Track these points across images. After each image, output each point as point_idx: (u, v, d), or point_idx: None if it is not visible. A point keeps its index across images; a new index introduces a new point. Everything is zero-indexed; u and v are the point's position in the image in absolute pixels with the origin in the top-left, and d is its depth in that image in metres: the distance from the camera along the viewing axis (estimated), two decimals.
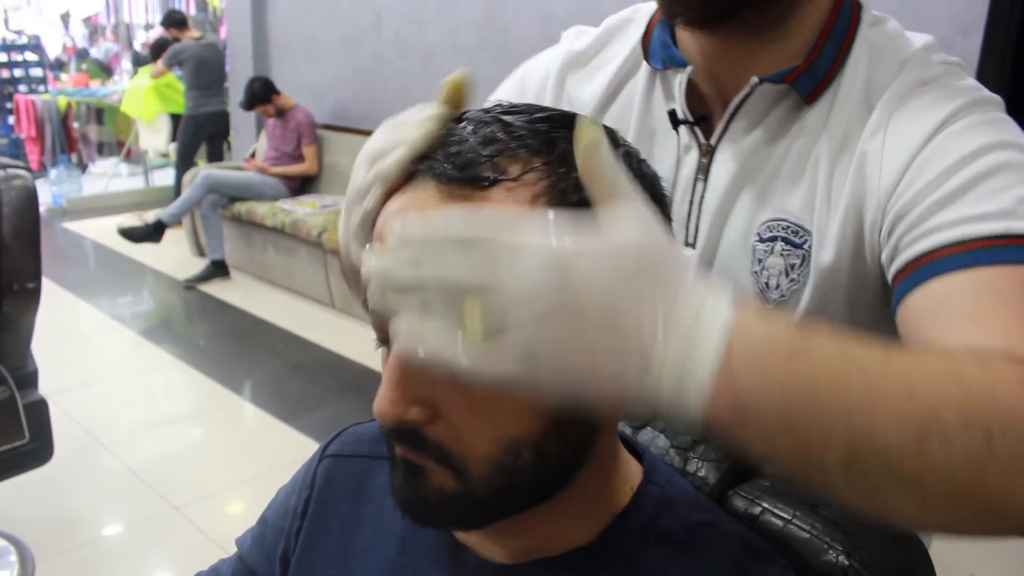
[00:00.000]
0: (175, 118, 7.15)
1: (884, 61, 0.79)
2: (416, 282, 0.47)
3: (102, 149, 8.86)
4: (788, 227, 0.81)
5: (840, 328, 0.51)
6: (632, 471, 0.69)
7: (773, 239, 0.81)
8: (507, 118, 0.58)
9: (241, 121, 6.34)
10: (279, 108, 5.35)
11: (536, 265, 0.45)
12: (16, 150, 8.15)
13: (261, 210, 5.12)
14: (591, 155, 0.50)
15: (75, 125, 8.43)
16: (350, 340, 4.23)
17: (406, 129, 0.58)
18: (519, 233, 0.46)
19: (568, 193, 0.54)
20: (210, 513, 2.82)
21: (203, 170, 5.50)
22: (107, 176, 8.01)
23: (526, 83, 0.98)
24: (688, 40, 0.84)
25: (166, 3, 10.88)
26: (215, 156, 6.64)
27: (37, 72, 8.81)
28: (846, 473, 0.48)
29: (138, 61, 9.60)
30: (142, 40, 10.67)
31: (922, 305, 0.66)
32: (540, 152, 0.56)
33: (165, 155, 7.72)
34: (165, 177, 7.68)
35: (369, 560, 0.73)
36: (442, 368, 0.46)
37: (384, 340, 0.60)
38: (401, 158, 0.57)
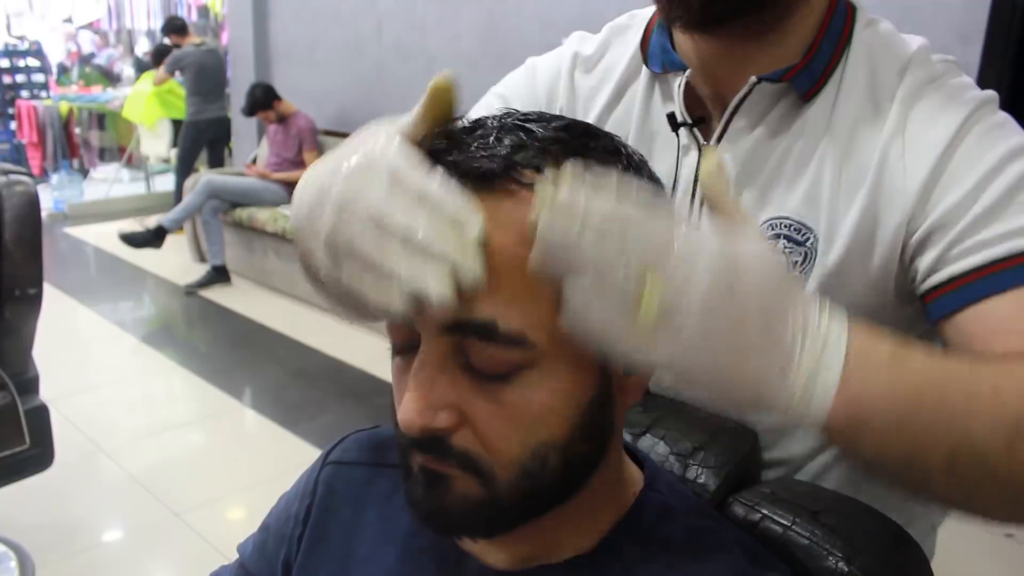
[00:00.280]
0: (176, 123, 7.16)
1: (884, 60, 0.80)
2: (596, 249, 0.48)
3: (103, 155, 8.87)
4: (791, 225, 0.81)
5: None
6: (634, 478, 0.69)
7: (776, 237, 0.82)
8: (528, 126, 0.58)
9: (242, 127, 6.35)
10: (280, 114, 5.36)
11: (714, 259, 0.49)
12: (18, 156, 8.16)
13: (262, 216, 5.13)
14: (716, 180, 0.55)
15: (77, 131, 8.43)
16: (351, 346, 4.23)
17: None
18: (681, 222, 0.50)
19: None
20: (211, 519, 2.81)
21: (204, 176, 5.50)
22: (108, 182, 8.02)
23: (536, 79, 0.98)
24: (686, 43, 0.85)
25: (168, 9, 10.90)
26: (216, 162, 6.65)
27: (39, 78, 8.83)
28: (948, 474, 0.54)
29: (140, 67, 9.61)
30: (144, 49, 10.68)
31: (976, 325, 0.69)
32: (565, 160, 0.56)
33: (166, 160, 7.73)
34: (166, 182, 7.69)
35: (371, 567, 0.72)
36: (603, 346, 0.50)
37: (401, 349, 0.59)
38: None
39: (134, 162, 8.34)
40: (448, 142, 0.57)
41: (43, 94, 8.69)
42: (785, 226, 0.81)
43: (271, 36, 6.07)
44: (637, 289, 0.48)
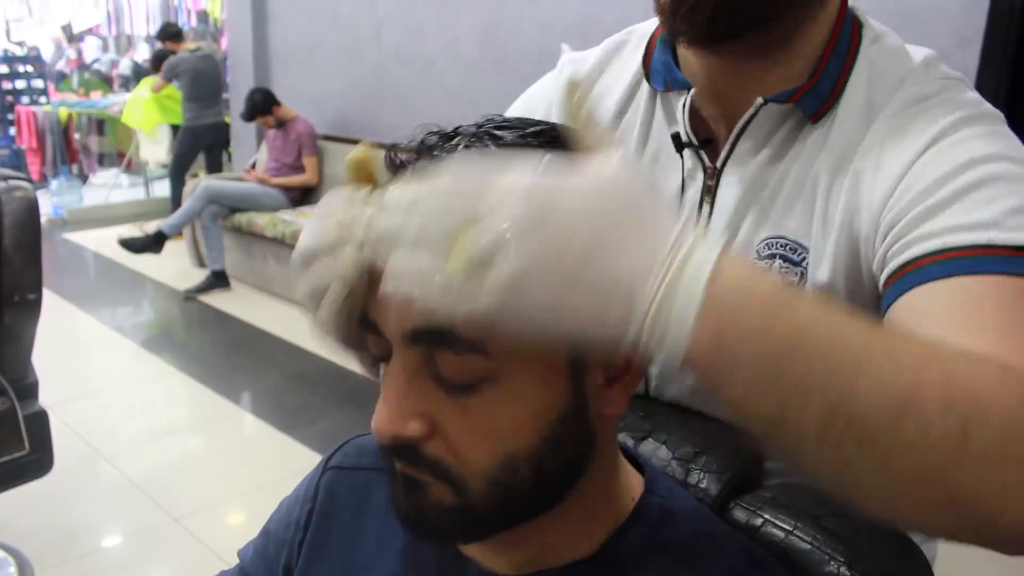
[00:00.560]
0: (176, 129, 7.16)
1: (883, 79, 0.79)
2: (404, 226, 0.48)
3: (103, 160, 8.87)
4: (786, 244, 0.81)
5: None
6: (633, 483, 0.69)
7: (771, 256, 0.81)
8: (499, 133, 0.58)
9: (242, 132, 6.36)
10: (279, 119, 5.37)
11: (519, 199, 0.46)
12: (17, 161, 8.17)
13: (261, 221, 5.13)
14: (578, 107, 0.53)
15: (76, 136, 8.44)
16: None
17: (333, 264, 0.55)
18: (506, 172, 0.47)
19: None
20: (210, 524, 2.81)
21: (203, 181, 5.51)
22: (108, 187, 8.03)
23: (532, 111, 0.97)
24: (691, 61, 0.84)
25: (168, 14, 10.91)
26: (214, 167, 6.66)
27: (38, 83, 8.84)
28: (820, 436, 0.47)
29: (139, 72, 9.62)
30: (143, 56, 10.69)
31: (905, 314, 0.66)
32: None
33: (165, 166, 7.72)
34: (166, 188, 7.65)
35: (372, 572, 0.73)
36: (425, 305, 0.47)
37: (381, 357, 0.60)
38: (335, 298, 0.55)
39: (133, 167, 8.34)
40: (419, 152, 0.58)
41: (42, 100, 8.69)
42: (781, 245, 0.81)
43: (270, 41, 6.08)
44: (442, 252, 0.46)
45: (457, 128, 0.60)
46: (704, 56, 0.81)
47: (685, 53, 0.84)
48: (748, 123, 0.81)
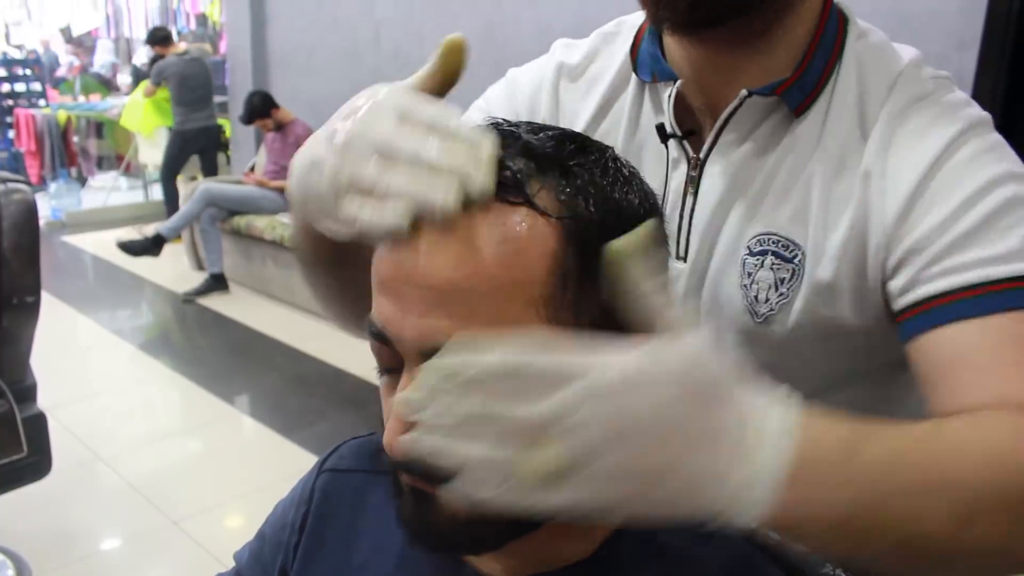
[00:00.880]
0: None
1: (874, 75, 0.80)
2: (465, 419, 0.46)
3: (101, 163, 8.87)
4: (779, 241, 0.81)
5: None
6: None
7: (763, 253, 0.81)
8: (527, 137, 0.57)
9: (241, 135, 6.36)
10: (278, 122, 5.36)
11: (598, 406, 0.45)
12: (16, 164, 8.16)
13: (260, 224, 5.13)
14: (645, 279, 0.50)
15: (75, 139, 8.44)
16: (349, 354, 4.22)
17: (453, 153, 0.52)
18: (569, 356, 0.46)
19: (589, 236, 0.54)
20: (208, 527, 2.81)
21: (202, 184, 5.51)
22: (106, 190, 8.03)
23: (516, 90, 0.97)
24: (676, 52, 0.85)
25: (166, 17, 10.91)
26: (209, 170, 6.63)
27: (37, 86, 8.84)
28: (897, 564, 0.55)
29: (138, 76, 9.62)
30: (142, 60, 10.69)
31: (940, 349, 0.69)
32: (555, 175, 0.55)
33: None
34: None
35: (367, 574, 0.73)
36: (504, 506, 0.47)
37: (386, 369, 0.59)
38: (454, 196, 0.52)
39: (132, 170, 8.34)
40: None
41: (41, 102, 8.69)
42: (773, 242, 0.81)
43: (269, 44, 6.08)
44: (517, 450, 0.45)
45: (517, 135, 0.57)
46: (688, 45, 0.82)
47: (671, 44, 0.85)
48: (732, 115, 0.82)
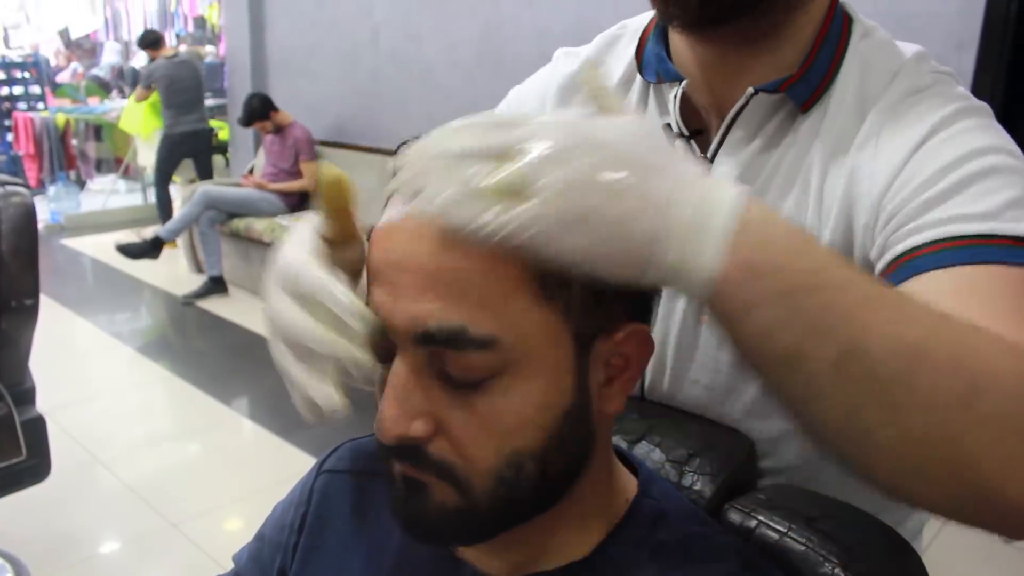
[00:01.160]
0: None
1: (875, 71, 0.80)
2: (444, 149, 0.51)
3: (100, 166, 8.86)
4: None
5: None
6: (628, 485, 0.69)
7: None
8: None
9: (239, 137, 6.36)
10: (277, 125, 5.36)
11: (558, 128, 0.50)
12: (15, 167, 8.15)
13: (259, 226, 5.13)
14: (597, 80, 0.57)
15: (74, 142, 8.43)
16: None
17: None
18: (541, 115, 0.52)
19: None
20: (208, 529, 2.81)
21: (201, 186, 5.51)
22: (105, 193, 8.02)
23: (523, 108, 0.97)
24: (683, 52, 0.85)
25: (164, 20, 10.91)
26: (204, 173, 6.59)
27: (35, 89, 8.84)
28: (834, 377, 0.48)
29: (134, 79, 9.61)
30: (141, 63, 10.68)
31: None
32: None
33: None
34: None
35: None
36: (463, 228, 0.49)
37: (381, 358, 0.60)
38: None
39: (131, 173, 8.34)
40: None
41: (40, 105, 8.69)
42: None
43: (268, 46, 6.08)
44: (483, 177, 0.49)
45: None
46: (696, 44, 0.83)
47: (677, 45, 0.86)
48: (739, 113, 0.82)
